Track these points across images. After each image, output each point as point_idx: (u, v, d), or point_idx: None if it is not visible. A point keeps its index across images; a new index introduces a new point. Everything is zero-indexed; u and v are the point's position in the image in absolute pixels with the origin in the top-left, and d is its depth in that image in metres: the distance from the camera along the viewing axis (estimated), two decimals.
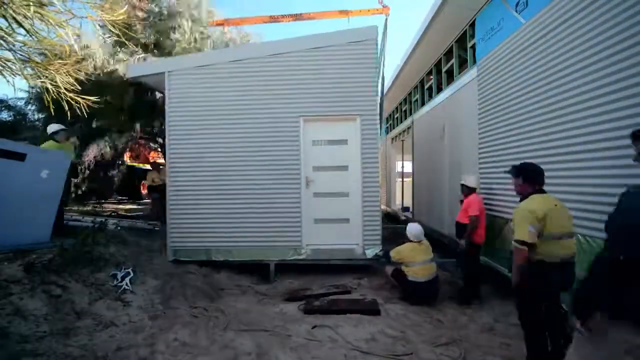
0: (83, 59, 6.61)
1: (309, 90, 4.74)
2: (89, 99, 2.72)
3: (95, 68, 6.52)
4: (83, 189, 8.67)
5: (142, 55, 7.11)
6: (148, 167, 15.01)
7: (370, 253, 4.63)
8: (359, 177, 4.70)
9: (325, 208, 4.80)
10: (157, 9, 7.94)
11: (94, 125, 7.11)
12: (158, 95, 7.31)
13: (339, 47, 4.73)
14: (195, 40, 7.68)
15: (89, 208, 9.47)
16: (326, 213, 4.80)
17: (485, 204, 4.32)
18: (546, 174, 3.15)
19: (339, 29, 4.80)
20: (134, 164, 13.47)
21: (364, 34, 4.72)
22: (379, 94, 4.69)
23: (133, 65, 6.04)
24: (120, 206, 11.61)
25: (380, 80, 4.92)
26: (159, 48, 7.66)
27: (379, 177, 4.70)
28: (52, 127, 4.62)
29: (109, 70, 6.58)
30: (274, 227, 4.71)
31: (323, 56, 4.74)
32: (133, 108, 6.97)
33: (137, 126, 7.60)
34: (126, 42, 6.29)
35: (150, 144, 11.56)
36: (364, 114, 4.69)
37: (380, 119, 5.41)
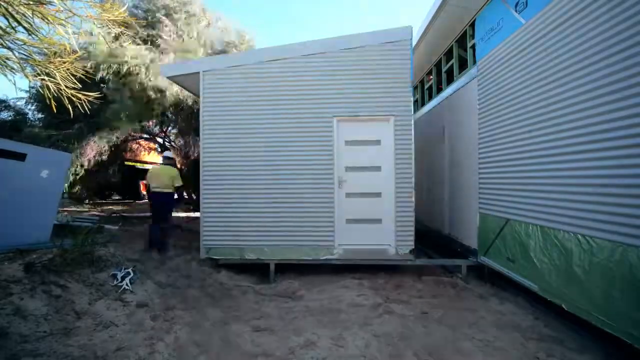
0: (86, 56, 6.70)
1: (343, 90, 4.73)
2: (90, 95, 2.71)
3: (107, 50, 6.70)
4: (78, 188, 8.70)
5: (145, 46, 7.24)
6: (148, 167, 15.00)
7: (402, 252, 4.61)
8: (392, 178, 4.66)
9: (357, 208, 4.78)
10: (153, 8, 8.03)
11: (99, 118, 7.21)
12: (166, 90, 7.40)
13: (373, 48, 4.71)
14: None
15: (88, 208, 9.47)
16: (358, 213, 4.78)
17: (486, 203, 4.33)
18: (546, 173, 3.19)
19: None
20: (134, 163, 13.46)
21: (399, 35, 4.69)
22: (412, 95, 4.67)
23: (167, 65, 6.04)
24: (120, 206, 11.60)
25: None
26: (155, 46, 7.74)
27: (412, 177, 4.64)
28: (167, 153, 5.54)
29: (117, 54, 6.73)
30: (306, 226, 4.72)
31: (357, 56, 4.73)
32: (145, 92, 7.12)
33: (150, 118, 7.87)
34: (122, 42, 6.33)
35: (150, 143, 11.57)
36: (398, 115, 4.66)
37: None
